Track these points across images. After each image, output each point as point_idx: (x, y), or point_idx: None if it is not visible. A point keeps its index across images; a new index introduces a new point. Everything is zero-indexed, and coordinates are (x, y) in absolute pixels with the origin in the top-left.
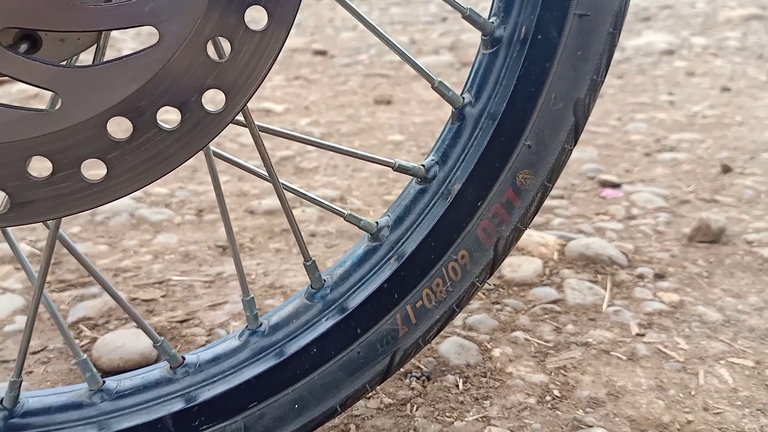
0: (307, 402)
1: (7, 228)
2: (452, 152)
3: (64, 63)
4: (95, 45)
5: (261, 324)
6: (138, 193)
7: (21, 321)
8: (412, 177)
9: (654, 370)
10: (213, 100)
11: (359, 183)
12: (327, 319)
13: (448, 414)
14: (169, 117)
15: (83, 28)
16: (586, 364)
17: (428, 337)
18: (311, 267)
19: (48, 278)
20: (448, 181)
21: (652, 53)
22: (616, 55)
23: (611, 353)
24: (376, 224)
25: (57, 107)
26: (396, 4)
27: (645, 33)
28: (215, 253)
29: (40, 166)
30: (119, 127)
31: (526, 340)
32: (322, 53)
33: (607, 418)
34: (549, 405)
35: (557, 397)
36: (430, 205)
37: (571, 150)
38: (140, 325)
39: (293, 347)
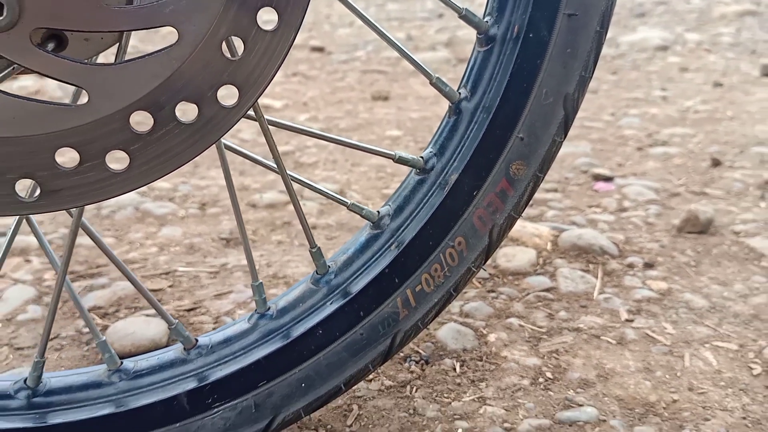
0: (313, 381)
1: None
2: (449, 144)
3: (89, 60)
4: (117, 44)
5: (269, 308)
6: (142, 188)
7: (33, 310)
8: (411, 168)
9: (642, 353)
10: (227, 95)
11: (358, 177)
12: (331, 303)
13: (446, 395)
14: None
15: (108, 29)
16: (577, 348)
17: (427, 319)
18: (316, 254)
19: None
20: (445, 172)
21: (647, 49)
22: (611, 51)
23: (601, 338)
24: (377, 213)
25: (84, 102)
26: (393, 0)
27: (640, 29)
28: (219, 245)
29: (68, 157)
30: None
31: (520, 326)
32: (320, 50)
33: (597, 398)
34: (542, 386)
35: (549, 378)
36: (429, 194)
37: (562, 142)
38: (156, 309)
39: (300, 329)
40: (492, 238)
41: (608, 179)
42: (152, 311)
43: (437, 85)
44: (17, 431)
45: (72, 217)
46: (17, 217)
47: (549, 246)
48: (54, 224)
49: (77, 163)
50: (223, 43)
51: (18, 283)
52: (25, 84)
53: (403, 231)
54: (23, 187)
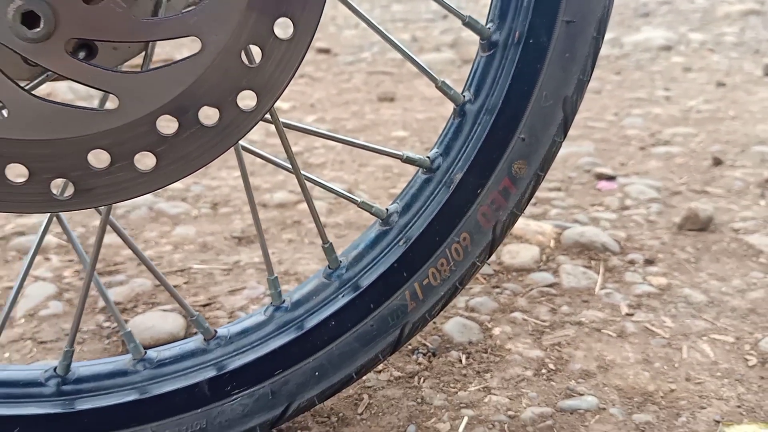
0: (326, 370)
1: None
2: (454, 145)
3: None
4: (143, 51)
5: (284, 301)
6: None
7: (54, 306)
8: (418, 168)
9: (641, 345)
10: (246, 100)
11: (365, 177)
12: (343, 296)
13: (452, 385)
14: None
15: (136, 39)
16: (578, 340)
17: (434, 311)
18: (329, 249)
19: (76, 267)
20: (450, 171)
21: (650, 49)
22: (615, 51)
23: (602, 331)
24: (386, 210)
25: (114, 107)
26: (397, 2)
27: (644, 29)
28: (231, 243)
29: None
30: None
31: (524, 320)
32: (326, 51)
33: (597, 388)
34: (544, 377)
35: (552, 370)
36: (435, 192)
37: (561, 142)
38: (179, 302)
39: (313, 321)
40: (495, 234)
41: (611, 178)
42: (169, 306)
43: (442, 88)
44: (48, 416)
45: (101, 214)
46: (48, 215)
47: (552, 243)
48: (71, 223)
49: (108, 164)
50: (243, 52)
51: (38, 281)
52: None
53: (410, 227)
54: (58, 185)
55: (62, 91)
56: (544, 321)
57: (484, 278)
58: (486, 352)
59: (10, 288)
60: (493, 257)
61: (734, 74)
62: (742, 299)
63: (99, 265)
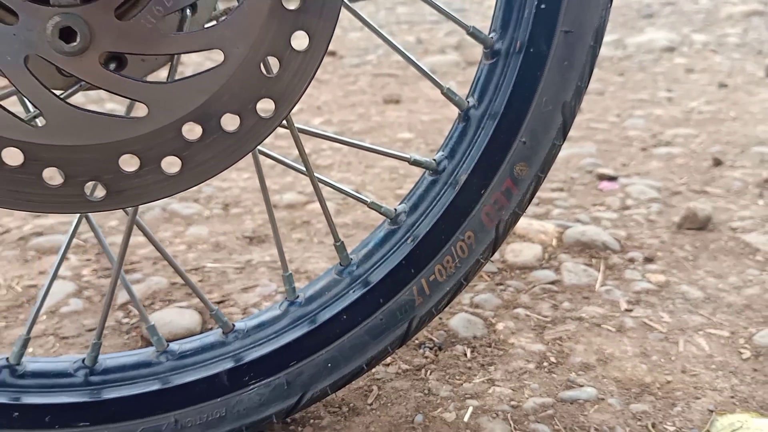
0: (338, 361)
1: (90, 216)
2: (459, 148)
3: (147, 79)
4: (169, 63)
5: (298, 296)
6: None
7: (75, 303)
8: (424, 170)
9: (639, 339)
10: (264, 107)
11: (372, 178)
12: (354, 291)
13: (457, 377)
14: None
15: (164, 52)
16: (579, 335)
17: (440, 306)
18: (340, 247)
19: (93, 266)
20: (455, 172)
21: (653, 50)
22: (618, 53)
23: (602, 326)
24: (394, 210)
25: (144, 115)
26: (402, 4)
27: (647, 30)
28: (243, 242)
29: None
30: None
31: (527, 315)
32: (332, 54)
33: (597, 380)
34: (546, 369)
35: (553, 363)
36: (441, 193)
37: (561, 145)
38: (200, 297)
39: (326, 315)
40: (498, 232)
41: (612, 179)
42: (185, 303)
43: (448, 94)
44: (77, 405)
45: (127, 215)
46: (78, 215)
47: (554, 242)
48: (84, 224)
49: (137, 167)
50: (262, 63)
51: (58, 279)
52: None
53: (417, 226)
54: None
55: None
56: (545, 316)
57: (489, 276)
58: (490, 346)
59: (32, 286)
60: (496, 255)
61: (736, 75)
62: (738, 295)
63: None
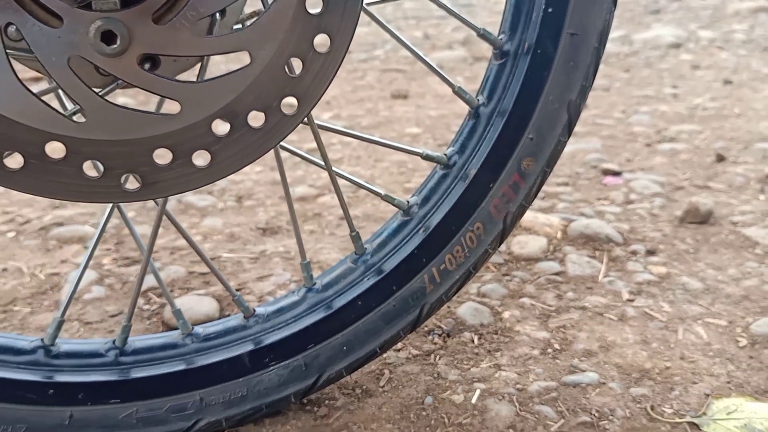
0: (353, 345)
1: (122, 207)
2: (469, 143)
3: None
4: (200, 63)
5: (315, 283)
6: None
7: (97, 290)
8: (436, 164)
9: (640, 328)
10: (288, 105)
11: (381, 172)
12: (368, 279)
13: (465, 362)
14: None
15: (196, 53)
16: (582, 323)
17: (450, 293)
18: (356, 237)
19: (113, 255)
20: (465, 167)
21: (660, 46)
22: (624, 49)
23: (604, 315)
24: (407, 202)
25: (176, 112)
26: None
27: (654, 26)
28: (257, 234)
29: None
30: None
31: (532, 304)
32: None
33: (599, 365)
34: (550, 355)
35: (557, 349)
36: (451, 186)
37: (566, 141)
38: (223, 283)
39: (341, 301)
40: (506, 224)
41: (617, 174)
42: (202, 291)
43: (458, 93)
44: (108, 383)
45: (157, 206)
46: (110, 206)
47: (559, 235)
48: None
49: (170, 161)
50: (286, 64)
51: (79, 268)
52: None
53: (429, 217)
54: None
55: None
56: (550, 306)
57: (495, 267)
58: (496, 334)
59: (54, 274)
60: (503, 247)
61: (741, 72)
62: (737, 287)
63: (134, 253)
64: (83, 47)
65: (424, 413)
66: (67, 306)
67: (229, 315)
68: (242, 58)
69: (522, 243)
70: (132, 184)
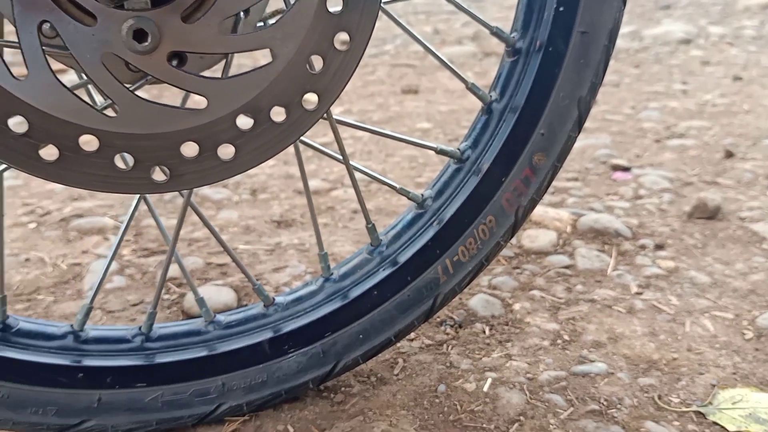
0: (369, 333)
1: (149, 199)
2: (482, 139)
3: (206, 74)
4: (224, 60)
5: (332, 273)
6: None
7: (118, 280)
8: (449, 158)
9: (648, 320)
10: (309, 101)
11: (392, 167)
12: (384, 270)
13: (477, 352)
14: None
15: (222, 51)
16: (591, 316)
17: (462, 284)
18: (371, 229)
19: (133, 246)
20: (478, 161)
21: (670, 42)
22: (634, 45)
23: (613, 308)
24: (421, 195)
25: (203, 107)
26: None
27: (664, 21)
28: (271, 226)
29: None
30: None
31: (542, 297)
32: None
33: (607, 356)
34: (560, 346)
35: (567, 340)
36: (464, 180)
37: (576, 137)
38: (244, 273)
39: (358, 291)
40: (517, 217)
41: (626, 169)
42: (220, 281)
43: (472, 89)
44: (134, 367)
45: (183, 197)
46: (137, 197)
47: (568, 229)
48: (124, 207)
49: (197, 154)
50: (307, 61)
51: (100, 258)
52: None
53: (443, 210)
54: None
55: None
56: (560, 298)
57: (506, 260)
58: (507, 325)
59: (76, 264)
60: (513, 241)
61: (751, 68)
62: (744, 281)
63: (152, 244)
64: (116, 45)
65: (437, 401)
66: (96, 293)
67: (246, 305)
68: (255, 56)
69: (532, 237)
70: (160, 176)
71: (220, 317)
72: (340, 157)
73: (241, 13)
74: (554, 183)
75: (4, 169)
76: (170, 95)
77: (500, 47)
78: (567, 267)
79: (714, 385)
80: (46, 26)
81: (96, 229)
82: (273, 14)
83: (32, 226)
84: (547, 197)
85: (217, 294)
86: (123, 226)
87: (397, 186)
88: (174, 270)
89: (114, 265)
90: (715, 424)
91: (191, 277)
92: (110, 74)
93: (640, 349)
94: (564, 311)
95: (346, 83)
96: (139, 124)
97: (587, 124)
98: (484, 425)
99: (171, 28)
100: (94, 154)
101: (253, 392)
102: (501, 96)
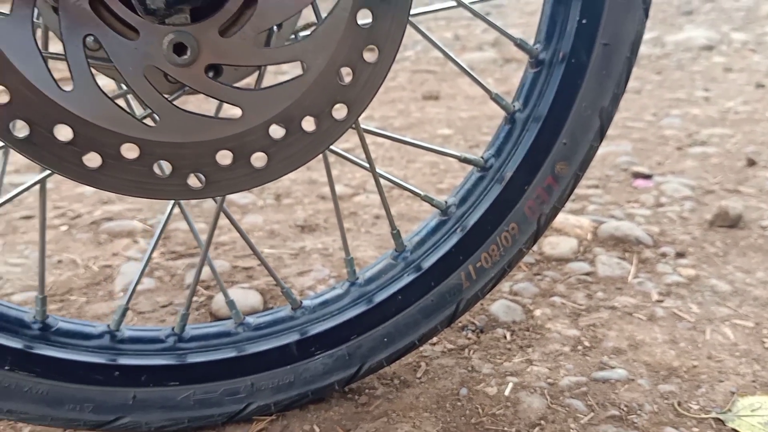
0: (393, 337)
1: (182, 204)
2: (505, 147)
3: (239, 85)
4: (258, 71)
5: (358, 277)
6: None
7: (147, 282)
8: (473, 166)
9: (669, 328)
10: (338, 111)
11: (414, 173)
12: (408, 275)
13: (498, 357)
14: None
15: (257, 63)
16: (612, 322)
17: (485, 290)
18: (396, 235)
19: (161, 249)
20: (501, 169)
21: (692, 48)
22: (656, 51)
23: (633, 315)
24: (445, 203)
25: (238, 117)
26: (440, 0)
27: (686, 27)
28: (296, 231)
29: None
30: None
31: (563, 303)
32: None
33: (627, 363)
34: (580, 352)
35: (587, 347)
36: (488, 188)
37: (598, 146)
38: (273, 277)
39: (383, 295)
40: (539, 225)
41: (647, 177)
42: (246, 284)
43: (496, 99)
44: (167, 366)
45: (216, 203)
46: (171, 202)
47: (589, 236)
48: (152, 211)
49: (231, 161)
50: (338, 72)
51: (130, 260)
52: None
53: (466, 217)
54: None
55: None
56: (580, 305)
57: (527, 266)
58: (528, 330)
59: (107, 266)
60: (534, 247)
61: None
62: (764, 289)
63: (180, 248)
64: (157, 58)
65: (459, 404)
66: (132, 294)
67: (272, 307)
68: (281, 66)
69: (553, 244)
70: (196, 182)
71: (250, 319)
72: (367, 165)
73: (275, 27)
74: (575, 190)
75: (48, 176)
76: (195, 102)
77: (520, 53)
78: (587, 274)
79: (733, 393)
80: (89, 39)
81: (125, 232)
82: (305, 27)
83: (64, 228)
84: (568, 204)
85: (244, 297)
86: (158, 231)
87: (422, 193)
88: (202, 273)
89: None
90: (734, 431)
91: (214, 281)
92: (151, 86)
93: (661, 356)
94: (584, 318)
95: (375, 94)
96: (178, 133)
97: (608, 131)
98: (506, 429)
99: (209, 42)
100: (134, 162)
101: (281, 392)
102: (524, 106)
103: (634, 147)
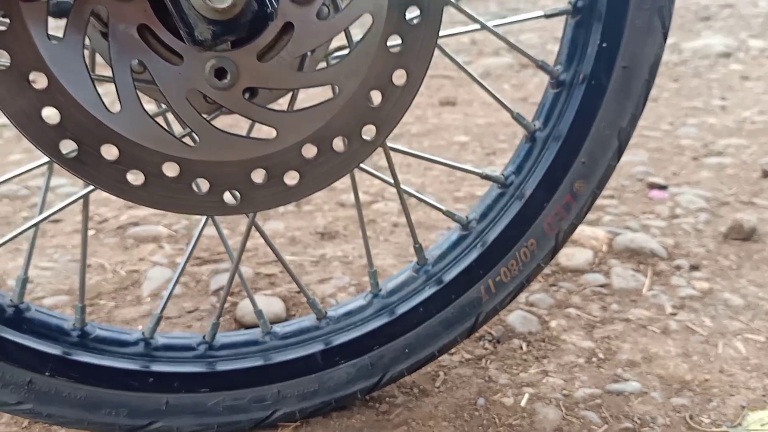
0: (414, 347)
1: (216, 218)
2: (525, 165)
3: (274, 106)
4: (291, 93)
5: (381, 289)
6: None
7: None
8: (493, 183)
9: (682, 341)
10: (368, 132)
11: (431, 181)
12: (429, 288)
13: (514, 368)
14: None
15: (291, 87)
16: (626, 335)
17: (504, 303)
18: (418, 249)
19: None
20: (521, 186)
21: (709, 56)
22: (674, 58)
23: (647, 327)
24: (466, 218)
25: (273, 137)
26: None
27: (704, 34)
28: (316, 238)
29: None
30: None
31: (578, 315)
32: None
33: (641, 375)
34: (595, 364)
35: (601, 359)
36: (508, 204)
37: (615, 165)
38: (299, 286)
39: (405, 307)
40: (558, 241)
41: (663, 188)
42: (269, 291)
43: (517, 118)
44: (198, 374)
45: (248, 218)
46: (205, 217)
47: (604, 248)
48: (175, 216)
49: (265, 179)
50: (368, 95)
51: (156, 266)
52: None
53: (486, 232)
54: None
55: None
56: (595, 316)
57: (543, 277)
58: (544, 341)
59: (134, 271)
60: None
61: None
62: None
63: (204, 254)
64: (199, 81)
65: (476, 413)
66: (166, 303)
67: (294, 315)
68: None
69: (569, 255)
70: (231, 199)
71: (277, 328)
72: (391, 181)
73: (308, 51)
74: None
75: (91, 191)
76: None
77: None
78: (603, 286)
79: (744, 407)
80: (134, 62)
81: (151, 237)
82: (336, 50)
83: (91, 233)
84: None
85: (268, 304)
86: (192, 243)
87: (444, 208)
88: (224, 280)
89: (169, 273)
90: None
91: (239, 289)
92: (193, 108)
93: (674, 370)
94: (599, 330)
95: (402, 115)
96: (216, 152)
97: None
98: None
99: (247, 67)
100: (175, 179)
101: (306, 400)
102: (544, 125)
103: (651, 156)
